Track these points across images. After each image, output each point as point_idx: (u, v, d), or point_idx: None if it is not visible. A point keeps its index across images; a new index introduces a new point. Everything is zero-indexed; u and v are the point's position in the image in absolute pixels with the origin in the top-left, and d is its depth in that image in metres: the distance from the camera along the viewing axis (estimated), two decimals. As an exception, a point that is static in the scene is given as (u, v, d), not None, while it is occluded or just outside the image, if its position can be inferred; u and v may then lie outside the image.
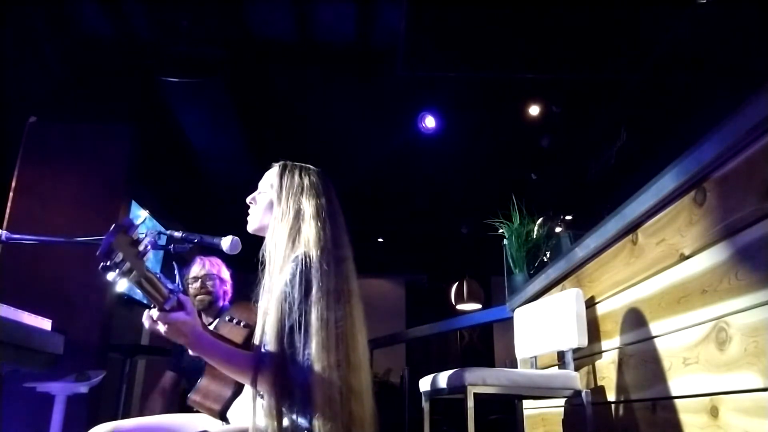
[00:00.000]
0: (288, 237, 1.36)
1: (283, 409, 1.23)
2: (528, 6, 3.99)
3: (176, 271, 1.77)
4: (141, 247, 1.09)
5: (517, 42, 4.26)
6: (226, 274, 2.73)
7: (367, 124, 5.34)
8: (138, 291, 1.14)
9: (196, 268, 2.67)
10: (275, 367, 1.23)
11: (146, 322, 1.20)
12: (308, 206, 1.40)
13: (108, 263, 1.05)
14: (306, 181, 1.45)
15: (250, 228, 1.51)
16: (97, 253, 1.04)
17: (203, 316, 2.65)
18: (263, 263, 1.38)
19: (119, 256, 1.05)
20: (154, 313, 1.19)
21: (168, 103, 4.51)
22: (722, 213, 1.55)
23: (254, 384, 1.25)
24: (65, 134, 4.40)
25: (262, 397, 1.25)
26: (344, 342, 1.27)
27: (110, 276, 1.06)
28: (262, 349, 1.28)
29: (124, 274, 1.06)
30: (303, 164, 1.52)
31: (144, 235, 1.09)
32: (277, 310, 1.27)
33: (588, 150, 5.35)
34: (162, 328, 1.19)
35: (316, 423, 1.19)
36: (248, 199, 1.52)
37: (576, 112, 5.14)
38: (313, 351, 1.22)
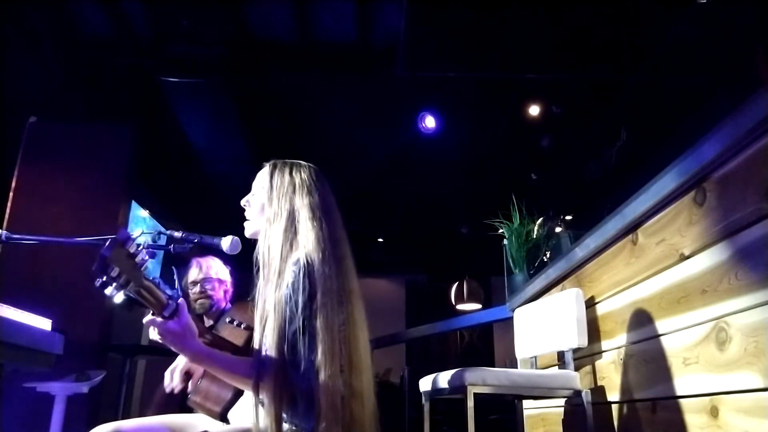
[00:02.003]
0: (284, 239, 1.32)
1: (285, 414, 1.21)
2: (528, 6, 3.99)
3: (175, 276, 1.76)
4: (138, 259, 1.08)
5: (517, 42, 4.25)
6: (224, 274, 2.69)
7: (367, 124, 5.34)
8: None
9: (194, 272, 2.65)
10: (277, 373, 1.20)
11: (147, 328, 1.22)
12: (302, 205, 1.35)
13: (104, 278, 1.04)
14: (297, 179, 1.40)
15: (248, 233, 1.45)
16: (92, 269, 1.03)
17: (205, 319, 2.65)
18: (257, 266, 1.34)
19: (115, 271, 1.05)
20: (149, 319, 1.20)
21: (168, 103, 4.51)
22: (722, 213, 1.55)
23: (256, 391, 1.21)
24: (65, 134, 4.40)
25: (263, 404, 1.22)
26: (347, 344, 1.24)
27: (107, 291, 1.06)
28: (263, 354, 1.26)
29: (121, 287, 1.06)
30: (294, 161, 1.47)
31: (141, 247, 1.09)
32: (279, 315, 1.24)
33: (588, 150, 5.35)
34: (157, 337, 1.20)
35: (318, 428, 1.17)
36: (242, 202, 1.48)
37: (576, 112, 5.14)
38: (319, 357, 1.19)
